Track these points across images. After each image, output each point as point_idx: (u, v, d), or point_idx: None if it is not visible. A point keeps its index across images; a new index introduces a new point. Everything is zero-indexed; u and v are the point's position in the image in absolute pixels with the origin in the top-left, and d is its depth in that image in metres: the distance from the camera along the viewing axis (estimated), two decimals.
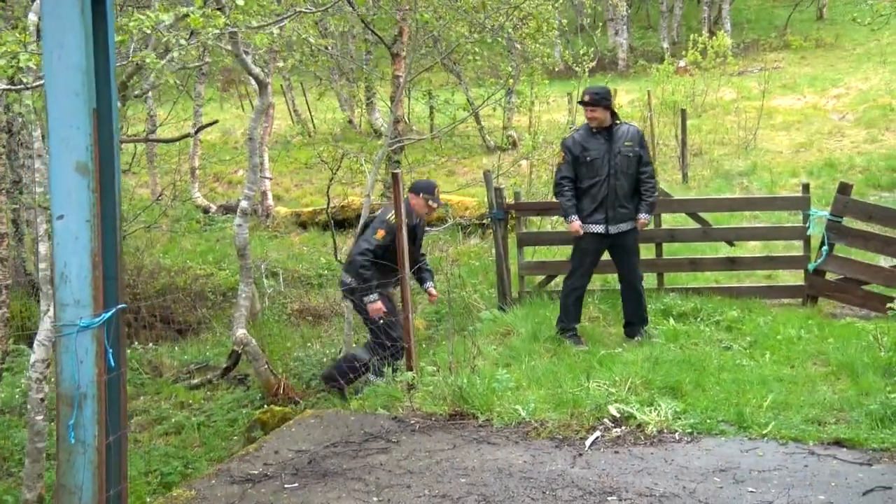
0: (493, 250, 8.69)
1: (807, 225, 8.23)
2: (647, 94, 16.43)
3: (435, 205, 7.60)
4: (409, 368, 6.44)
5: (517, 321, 7.85)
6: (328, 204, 11.26)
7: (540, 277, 8.94)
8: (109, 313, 3.57)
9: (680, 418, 5.42)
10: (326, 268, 11.68)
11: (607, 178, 7.10)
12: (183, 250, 12.87)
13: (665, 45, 27.26)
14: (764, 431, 5.20)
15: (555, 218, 10.18)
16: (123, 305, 3.67)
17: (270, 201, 14.89)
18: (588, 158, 7.11)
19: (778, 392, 5.77)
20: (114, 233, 3.61)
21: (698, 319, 7.60)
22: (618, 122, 7.26)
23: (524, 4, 8.55)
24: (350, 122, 19.56)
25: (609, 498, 4.46)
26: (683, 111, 15.61)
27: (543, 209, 9.57)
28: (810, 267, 8.21)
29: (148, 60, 4.96)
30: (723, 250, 9.14)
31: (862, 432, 5.10)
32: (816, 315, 7.87)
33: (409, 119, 17.17)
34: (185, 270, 11.67)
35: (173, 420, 8.33)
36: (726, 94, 20.17)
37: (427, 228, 10.34)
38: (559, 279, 9.09)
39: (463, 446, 5.24)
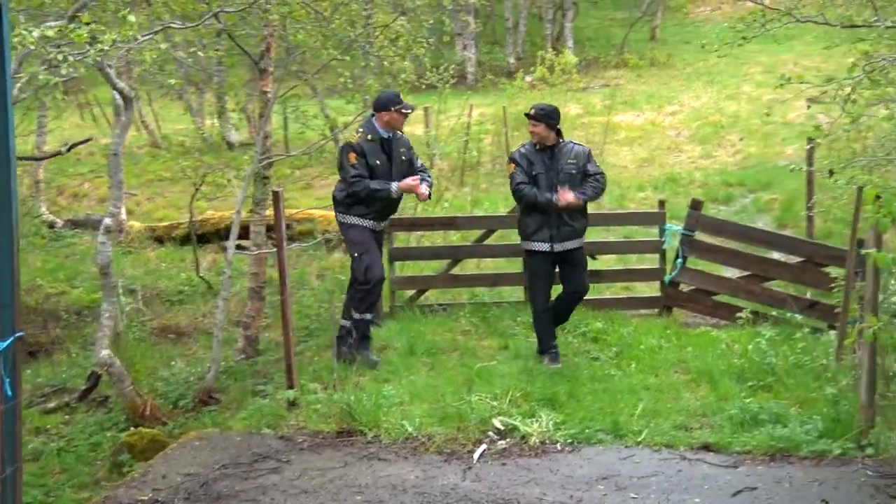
0: None
1: (663, 239, 8.74)
2: (503, 110, 16.83)
3: (408, 111, 7.50)
4: (290, 386, 6.42)
5: (392, 336, 7.94)
6: (191, 218, 10.99)
7: (411, 292, 9.07)
8: (6, 343, 3.46)
9: (560, 429, 5.66)
10: (187, 283, 11.35)
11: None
12: (31, 268, 12.21)
13: (511, 59, 28.02)
14: (638, 439, 5.52)
15: (420, 234, 10.34)
16: (21, 333, 3.55)
17: (124, 216, 14.34)
18: (533, 173, 7.09)
19: (647, 400, 6.12)
20: (10, 259, 3.50)
21: (566, 331, 7.90)
22: (562, 140, 7.22)
23: (394, 24, 8.69)
24: (202, 133, 19.10)
25: None
26: None
27: (413, 225, 9.69)
28: (666, 279, 8.72)
29: (41, 77, 4.78)
30: None
31: (726, 436, 5.50)
32: (673, 325, 8.34)
33: None
34: (36, 289, 11.09)
35: (30, 447, 7.91)
36: (572, 110, 20.94)
37: (295, 244, 10.25)
38: (429, 293, 9.27)
39: (354, 464, 5.29)
